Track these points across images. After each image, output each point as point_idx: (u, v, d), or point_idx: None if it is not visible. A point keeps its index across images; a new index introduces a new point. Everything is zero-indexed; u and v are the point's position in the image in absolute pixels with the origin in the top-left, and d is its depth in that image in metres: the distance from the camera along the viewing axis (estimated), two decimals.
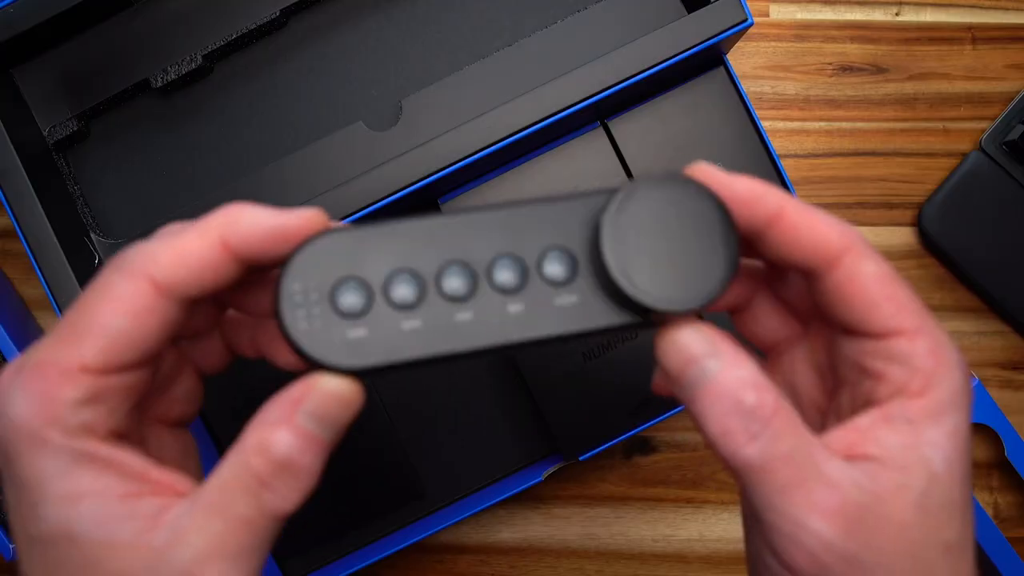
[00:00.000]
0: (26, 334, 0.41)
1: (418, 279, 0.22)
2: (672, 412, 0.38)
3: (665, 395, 0.34)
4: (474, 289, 0.22)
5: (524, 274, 0.22)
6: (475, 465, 0.40)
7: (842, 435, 0.23)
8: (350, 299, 0.22)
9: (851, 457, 0.22)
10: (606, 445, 0.38)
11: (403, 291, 0.22)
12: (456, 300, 0.22)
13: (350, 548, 0.39)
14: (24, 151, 0.36)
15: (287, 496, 0.21)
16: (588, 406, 0.38)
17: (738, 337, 0.31)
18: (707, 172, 0.23)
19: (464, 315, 0.22)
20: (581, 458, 0.38)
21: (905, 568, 0.21)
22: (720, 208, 0.22)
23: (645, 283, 0.22)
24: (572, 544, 0.46)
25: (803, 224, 0.23)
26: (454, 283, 0.22)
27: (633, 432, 0.38)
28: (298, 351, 0.22)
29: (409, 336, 0.22)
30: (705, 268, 0.22)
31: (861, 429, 0.22)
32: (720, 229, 0.22)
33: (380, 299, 0.22)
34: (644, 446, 0.46)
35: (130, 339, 0.21)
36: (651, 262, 0.22)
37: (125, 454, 0.22)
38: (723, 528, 0.46)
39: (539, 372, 0.38)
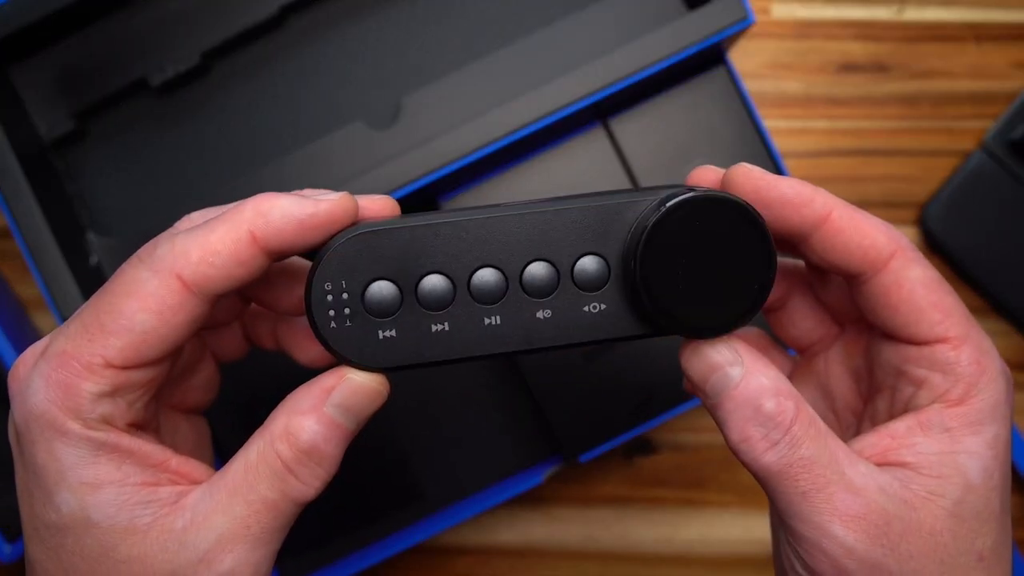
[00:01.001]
0: (22, 334, 0.41)
1: (449, 281, 0.22)
2: (673, 413, 0.38)
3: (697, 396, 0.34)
4: (504, 293, 0.22)
5: (555, 279, 0.22)
6: (476, 466, 0.40)
7: (876, 440, 0.23)
8: (381, 300, 0.22)
9: (885, 463, 0.22)
10: (607, 446, 0.38)
11: (434, 293, 0.22)
12: (486, 303, 0.22)
13: (349, 549, 0.39)
14: (21, 150, 0.36)
15: (310, 482, 0.22)
16: (589, 407, 0.38)
17: (771, 336, 0.31)
18: (753, 174, 0.23)
19: (492, 319, 0.22)
20: (582, 459, 0.38)
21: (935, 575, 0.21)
22: (760, 231, 0.21)
23: (674, 307, 0.21)
24: (573, 545, 0.45)
25: (850, 227, 0.22)
26: (485, 287, 0.22)
27: (634, 433, 0.38)
28: (329, 349, 0.22)
29: (437, 338, 0.22)
30: (737, 294, 0.21)
31: (896, 435, 0.22)
32: (758, 252, 0.21)
33: (410, 300, 0.22)
34: (645, 447, 0.46)
35: (156, 337, 0.21)
36: (683, 284, 0.21)
37: (145, 443, 0.22)
38: (725, 529, 0.45)
39: (540, 373, 0.38)
